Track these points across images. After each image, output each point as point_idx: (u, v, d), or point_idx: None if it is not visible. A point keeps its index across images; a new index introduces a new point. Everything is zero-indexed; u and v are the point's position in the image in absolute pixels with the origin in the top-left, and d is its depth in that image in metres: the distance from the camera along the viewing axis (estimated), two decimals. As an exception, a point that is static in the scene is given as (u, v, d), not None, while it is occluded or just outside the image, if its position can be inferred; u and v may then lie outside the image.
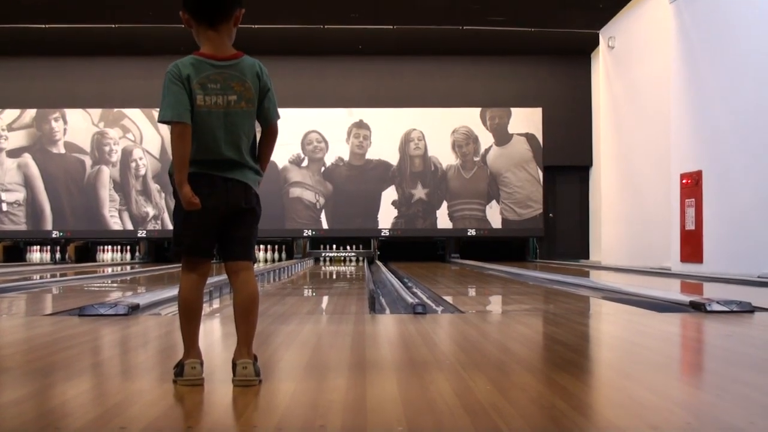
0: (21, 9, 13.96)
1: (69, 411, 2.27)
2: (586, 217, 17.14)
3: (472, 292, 7.82)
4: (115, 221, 16.56)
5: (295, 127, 16.21)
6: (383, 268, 11.85)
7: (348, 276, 10.83)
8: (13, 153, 16.62)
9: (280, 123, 2.75)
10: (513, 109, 16.70)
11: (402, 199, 16.63)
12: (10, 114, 16.66)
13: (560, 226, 17.10)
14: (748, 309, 4.87)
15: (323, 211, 16.56)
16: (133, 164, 16.63)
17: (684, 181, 11.08)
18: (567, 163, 16.94)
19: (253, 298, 2.64)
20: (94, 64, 16.68)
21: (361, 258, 16.44)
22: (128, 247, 17.18)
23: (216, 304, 5.82)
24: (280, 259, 16.54)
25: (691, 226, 10.91)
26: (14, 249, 17.16)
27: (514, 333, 4.14)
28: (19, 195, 16.52)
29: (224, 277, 3.39)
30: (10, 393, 2.52)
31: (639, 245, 13.35)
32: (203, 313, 2.74)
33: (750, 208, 9.50)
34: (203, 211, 2.56)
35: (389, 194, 16.65)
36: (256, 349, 2.69)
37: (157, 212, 16.59)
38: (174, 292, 4.41)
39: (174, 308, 4.93)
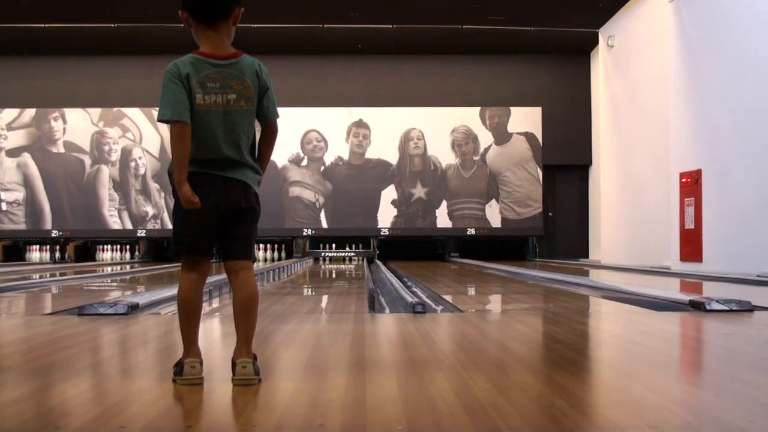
0: (21, 9, 13.96)
1: (68, 410, 2.27)
2: (585, 216, 17.14)
3: (471, 291, 7.82)
4: (114, 220, 16.56)
5: (294, 126, 16.22)
6: (383, 268, 11.85)
7: (347, 275, 10.83)
8: (13, 152, 16.62)
9: (279, 122, 2.75)
10: (512, 108, 16.70)
11: (401, 199, 16.63)
12: (10, 113, 16.65)
13: (560, 225, 17.11)
14: (748, 308, 4.87)
15: (323, 210, 16.56)
16: (133, 163, 16.62)
17: (683, 180, 11.08)
18: (566, 162, 16.95)
19: (252, 297, 2.64)
20: (94, 64, 16.67)
21: (360, 257, 16.44)
22: (128, 247, 17.18)
23: (215, 304, 5.82)
24: (279, 258, 16.54)
25: (690, 225, 10.92)
26: (14, 248, 17.16)
27: (513, 332, 4.14)
28: (19, 194, 16.52)
29: (224, 276, 3.39)
30: (9, 392, 2.52)
31: (638, 244, 13.36)
32: (203, 312, 2.74)
33: (749, 207, 9.50)
34: (203, 211, 2.56)
35: (389, 193, 16.65)
36: (256, 348, 2.69)
37: (157, 211, 16.59)
38: (173, 291, 4.41)
39: (173, 307, 4.93)
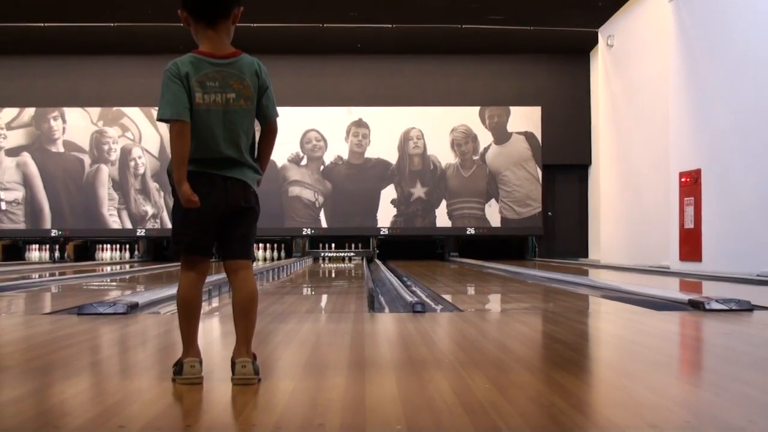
0: (21, 8, 13.96)
1: (68, 410, 2.27)
2: (585, 215, 17.14)
3: (471, 290, 7.82)
4: (114, 220, 16.55)
5: (294, 125, 16.21)
6: (382, 267, 11.85)
7: (347, 274, 10.83)
8: (12, 152, 16.61)
9: (279, 122, 2.75)
10: (512, 108, 16.70)
11: (401, 198, 16.63)
12: (9, 113, 16.64)
13: (559, 224, 17.11)
14: (747, 307, 4.87)
15: (322, 209, 16.56)
16: (132, 163, 16.62)
17: (683, 179, 11.08)
18: (566, 162, 16.95)
19: (252, 296, 2.64)
20: (94, 63, 16.66)
21: (360, 257, 16.44)
22: (127, 246, 17.18)
23: (215, 303, 5.82)
24: (279, 258, 16.54)
25: (690, 224, 10.92)
26: (13, 248, 17.16)
27: (513, 331, 4.14)
28: (18, 194, 16.51)
29: (223, 275, 3.39)
30: (8, 392, 2.52)
31: (638, 244, 13.36)
32: (202, 311, 2.74)
33: (749, 207, 9.51)
34: (202, 210, 2.56)
35: (388, 193, 16.64)
36: (255, 347, 2.69)
37: (156, 211, 16.58)
38: (173, 290, 4.41)
39: (173, 307, 4.92)
